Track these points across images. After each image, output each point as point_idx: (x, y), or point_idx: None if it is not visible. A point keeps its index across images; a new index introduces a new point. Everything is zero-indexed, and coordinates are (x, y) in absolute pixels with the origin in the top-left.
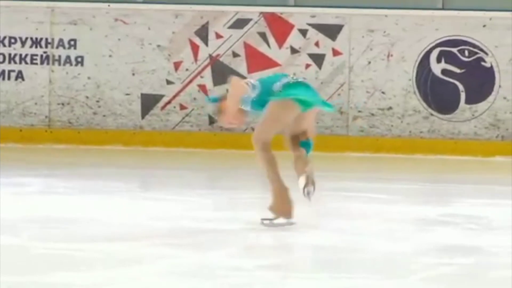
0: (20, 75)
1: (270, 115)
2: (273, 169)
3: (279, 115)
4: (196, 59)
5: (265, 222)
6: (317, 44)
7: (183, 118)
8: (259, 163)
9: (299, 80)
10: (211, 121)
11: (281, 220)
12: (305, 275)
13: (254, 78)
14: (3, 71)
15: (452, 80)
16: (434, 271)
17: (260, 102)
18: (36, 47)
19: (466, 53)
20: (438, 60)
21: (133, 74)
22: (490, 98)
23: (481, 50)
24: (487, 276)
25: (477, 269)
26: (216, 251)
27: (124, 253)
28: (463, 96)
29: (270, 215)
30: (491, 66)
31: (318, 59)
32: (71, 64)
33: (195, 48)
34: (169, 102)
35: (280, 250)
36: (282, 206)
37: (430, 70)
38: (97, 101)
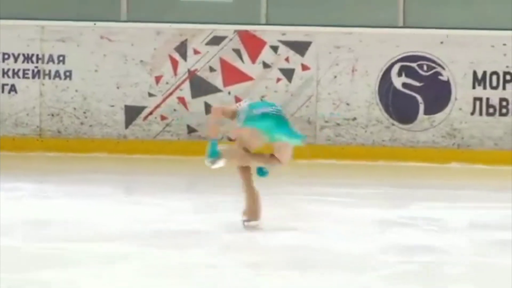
0: (13, 88)
1: (240, 139)
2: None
3: (247, 140)
4: (175, 73)
5: (245, 223)
6: (287, 59)
7: (164, 128)
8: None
9: (278, 113)
10: (190, 130)
11: (253, 222)
12: (276, 273)
13: (246, 101)
14: None
15: (412, 92)
16: (394, 268)
17: (249, 122)
18: (27, 62)
19: (425, 67)
20: (399, 74)
21: (118, 87)
22: (447, 109)
23: (439, 65)
24: (443, 273)
25: (434, 267)
26: (194, 250)
27: (109, 252)
28: (421, 107)
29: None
30: (448, 80)
31: (288, 73)
32: (60, 78)
33: (174, 63)
34: (150, 113)
35: (254, 250)
36: (252, 209)
37: (391, 83)
38: (84, 112)
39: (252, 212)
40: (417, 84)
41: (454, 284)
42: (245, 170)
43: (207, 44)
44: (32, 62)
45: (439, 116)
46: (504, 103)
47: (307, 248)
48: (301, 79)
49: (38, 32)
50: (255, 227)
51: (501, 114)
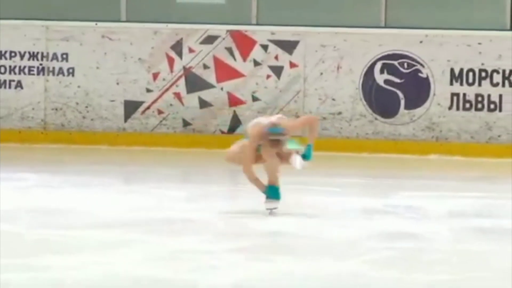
0: (19, 84)
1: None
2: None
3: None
4: (172, 71)
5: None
6: (276, 57)
7: (161, 121)
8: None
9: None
10: (185, 124)
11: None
12: (265, 257)
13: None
14: (5, 81)
15: (393, 88)
16: (378, 254)
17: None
18: (33, 60)
19: (405, 65)
20: (381, 72)
21: (117, 83)
22: (426, 104)
23: (418, 62)
24: (423, 258)
25: (415, 253)
26: (188, 237)
27: (109, 239)
28: (402, 102)
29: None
30: (427, 77)
31: (277, 70)
32: (63, 75)
33: (171, 61)
34: (148, 108)
35: (245, 236)
36: None
37: (374, 80)
38: (86, 107)
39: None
40: (398, 80)
41: (434, 268)
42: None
43: (201, 43)
44: (37, 59)
45: (419, 111)
46: (479, 99)
47: (296, 235)
48: (289, 76)
49: (43, 31)
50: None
51: (477, 109)
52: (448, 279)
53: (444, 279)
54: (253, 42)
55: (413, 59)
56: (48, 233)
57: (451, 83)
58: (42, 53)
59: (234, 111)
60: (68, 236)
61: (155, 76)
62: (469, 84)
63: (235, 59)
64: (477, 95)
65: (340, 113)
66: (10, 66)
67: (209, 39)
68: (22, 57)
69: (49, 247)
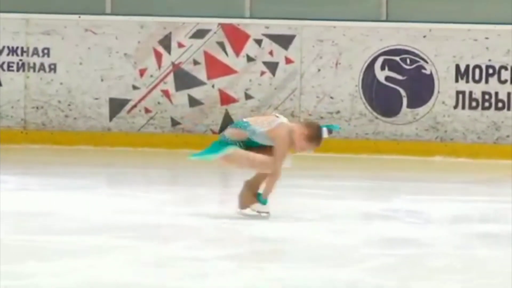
0: None
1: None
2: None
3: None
4: (159, 66)
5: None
6: (271, 53)
7: (148, 120)
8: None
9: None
10: (174, 123)
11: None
12: (256, 265)
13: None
14: None
15: (395, 86)
16: (377, 261)
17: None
18: (12, 55)
19: (408, 61)
20: (382, 68)
21: (102, 80)
22: (430, 103)
23: (422, 58)
24: (424, 265)
25: (416, 259)
26: (176, 243)
27: (94, 244)
28: (405, 101)
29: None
30: (431, 73)
31: (272, 66)
32: (44, 71)
33: (158, 56)
34: (135, 106)
35: (236, 242)
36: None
37: (374, 77)
38: (69, 105)
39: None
40: (400, 77)
41: (437, 276)
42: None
43: (191, 37)
44: (17, 55)
45: (422, 110)
46: (486, 97)
47: (290, 241)
48: (285, 72)
49: (23, 25)
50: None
51: (483, 108)
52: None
53: (448, 287)
54: (246, 36)
55: (416, 55)
56: (29, 239)
57: (457, 80)
58: (22, 48)
59: (226, 110)
60: (51, 241)
61: (142, 72)
62: (476, 81)
63: (227, 55)
64: (484, 93)
65: (338, 112)
66: None
67: (200, 33)
68: (0, 52)
69: (30, 253)
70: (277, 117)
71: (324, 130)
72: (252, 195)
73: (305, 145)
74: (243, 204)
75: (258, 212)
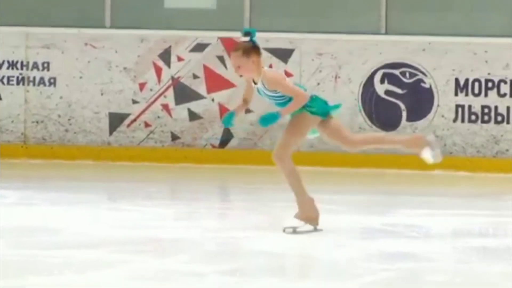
0: None
1: (297, 128)
2: (297, 181)
3: (301, 128)
4: (159, 80)
5: (287, 230)
6: (270, 66)
7: (148, 135)
8: (285, 177)
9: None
10: (174, 138)
11: (307, 227)
12: (256, 280)
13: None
14: None
15: (394, 99)
16: (377, 275)
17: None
18: (12, 69)
19: (407, 75)
20: (382, 81)
21: (102, 94)
22: (429, 116)
23: (421, 72)
24: (424, 280)
25: (416, 274)
26: (175, 257)
27: (93, 259)
28: (404, 114)
29: (292, 224)
30: (430, 87)
31: None
32: (44, 85)
33: (158, 70)
34: (134, 120)
35: (235, 256)
36: (310, 214)
37: (374, 90)
38: (69, 119)
39: (306, 217)
40: (399, 91)
41: None
42: (296, 174)
43: (190, 51)
44: (17, 68)
45: (421, 123)
46: (486, 110)
47: (290, 255)
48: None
49: (23, 38)
50: (308, 232)
51: (483, 121)
52: None
53: None
54: None
55: (416, 68)
56: (29, 254)
57: (456, 94)
58: (22, 62)
59: None
60: (50, 256)
61: (141, 86)
62: (475, 95)
63: (226, 68)
64: (483, 107)
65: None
66: None
67: (199, 47)
68: (0, 66)
69: (30, 268)
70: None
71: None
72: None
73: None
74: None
75: (290, 228)
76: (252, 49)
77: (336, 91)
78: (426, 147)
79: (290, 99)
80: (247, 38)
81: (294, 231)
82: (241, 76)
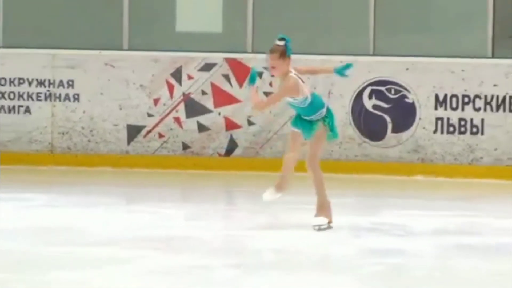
0: (27, 110)
1: (321, 139)
2: (323, 187)
3: (324, 139)
4: (171, 96)
5: (316, 227)
6: (270, 84)
7: (161, 144)
8: (314, 182)
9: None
10: (184, 147)
11: (327, 225)
12: (259, 272)
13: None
14: (14, 106)
15: (381, 113)
16: (365, 270)
17: (306, 112)
18: (40, 86)
19: (393, 91)
20: (370, 97)
21: (120, 109)
22: (412, 128)
23: (405, 89)
24: (409, 273)
25: (402, 268)
26: (185, 253)
27: (112, 255)
28: (390, 126)
29: (319, 222)
30: (413, 102)
31: None
32: (69, 100)
33: (171, 87)
34: (150, 131)
35: (240, 252)
36: (329, 214)
37: (363, 105)
38: (91, 131)
39: (327, 217)
40: (385, 105)
41: (419, 283)
42: (323, 181)
43: (199, 70)
44: (45, 86)
45: (405, 134)
46: (462, 123)
47: (290, 252)
48: (283, 101)
49: (50, 59)
50: (329, 228)
51: (460, 132)
52: None
53: None
54: (248, 69)
55: (400, 85)
56: (53, 250)
57: (436, 108)
58: (49, 80)
59: (231, 135)
60: (72, 252)
61: (156, 101)
62: (453, 109)
63: (231, 86)
64: (460, 119)
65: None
66: (18, 92)
67: (207, 67)
68: (30, 83)
69: (53, 263)
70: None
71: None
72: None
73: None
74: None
75: (318, 226)
76: (285, 52)
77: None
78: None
79: (311, 105)
80: (282, 43)
81: (321, 228)
82: (273, 75)
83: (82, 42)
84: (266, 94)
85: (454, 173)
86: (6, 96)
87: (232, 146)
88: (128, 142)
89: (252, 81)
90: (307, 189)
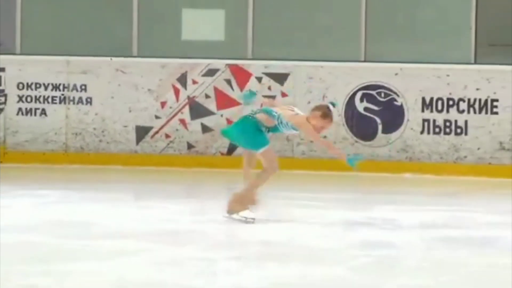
0: (43, 112)
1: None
2: (260, 185)
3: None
4: (177, 100)
5: (243, 219)
6: (269, 88)
7: (168, 144)
8: (255, 178)
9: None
10: (189, 147)
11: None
12: (257, 264)
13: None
14: (31, 109)
15: (372, 115)
16: (358, 261)
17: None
18: (55, 90)
19: (382, 95)
20: (361, 100)
21: (130, 111)
22: (401, 129)
23: (394, 92)
24: (398, 264)
25: (391, 259)
26: (190, 246)
27: (122, 247)
28: (380, 127)
29: (245, 214)
30: (401, 105)
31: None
32: (82, 104)
33: (176, 91)
34: (157, 132)
35: (241, 245)
36: (245, 207)
37: (355, 107)
38: (102, 132)
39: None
40: (376, 108)
41: (408, 273)
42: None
43: (203, 75)
44: (59, 90)
45: (394, 135)
46: (447, 124)
47: (286, 244)
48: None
49: (65, 65)
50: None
51: (445, 133)
52: (421, 284)
53: (417, 283)
54: (249, 75)
55: (390, 89)
56: (67, 243)
57: (423, 110)
58: (64, 85)
59: None
60: (85, 245)
61: (163, 104)
62: (439, 111)
63: (233, 90)
64: (445, 121)
65: (325, 136)
66: (35, 96)
67: (210, 72)
68: (46, 88)
69: (68, 255)
70: (292, 110)
71: (329, 105)
72: (243, 202)
73: (323, 123)
74: (231, 210)
75: (244, 218)
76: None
77: None
78: (247, 209)
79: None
80: (332, 107)
81: (247, 220)
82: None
83: (94, 49)
84: (265, 97)
85: (440, 171)
86: (24, 99)
87: (233, 145)
88: (137, 142)
89: (247, 99)
90: (302, 187)
